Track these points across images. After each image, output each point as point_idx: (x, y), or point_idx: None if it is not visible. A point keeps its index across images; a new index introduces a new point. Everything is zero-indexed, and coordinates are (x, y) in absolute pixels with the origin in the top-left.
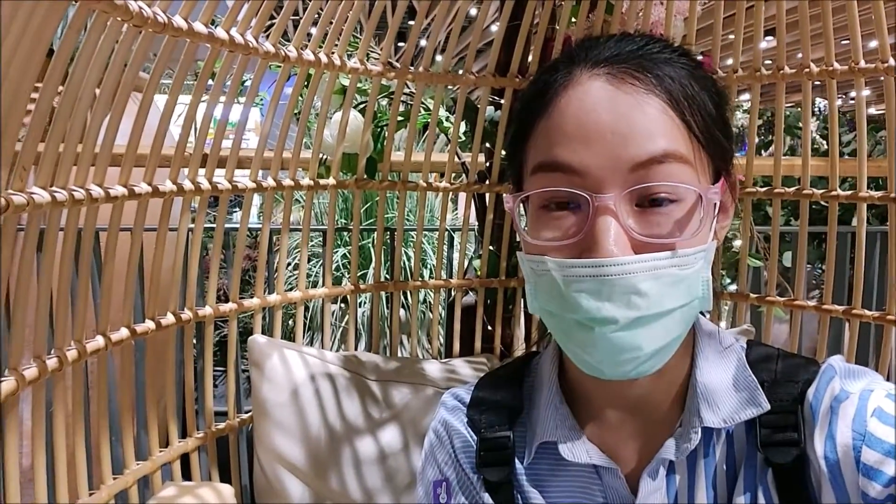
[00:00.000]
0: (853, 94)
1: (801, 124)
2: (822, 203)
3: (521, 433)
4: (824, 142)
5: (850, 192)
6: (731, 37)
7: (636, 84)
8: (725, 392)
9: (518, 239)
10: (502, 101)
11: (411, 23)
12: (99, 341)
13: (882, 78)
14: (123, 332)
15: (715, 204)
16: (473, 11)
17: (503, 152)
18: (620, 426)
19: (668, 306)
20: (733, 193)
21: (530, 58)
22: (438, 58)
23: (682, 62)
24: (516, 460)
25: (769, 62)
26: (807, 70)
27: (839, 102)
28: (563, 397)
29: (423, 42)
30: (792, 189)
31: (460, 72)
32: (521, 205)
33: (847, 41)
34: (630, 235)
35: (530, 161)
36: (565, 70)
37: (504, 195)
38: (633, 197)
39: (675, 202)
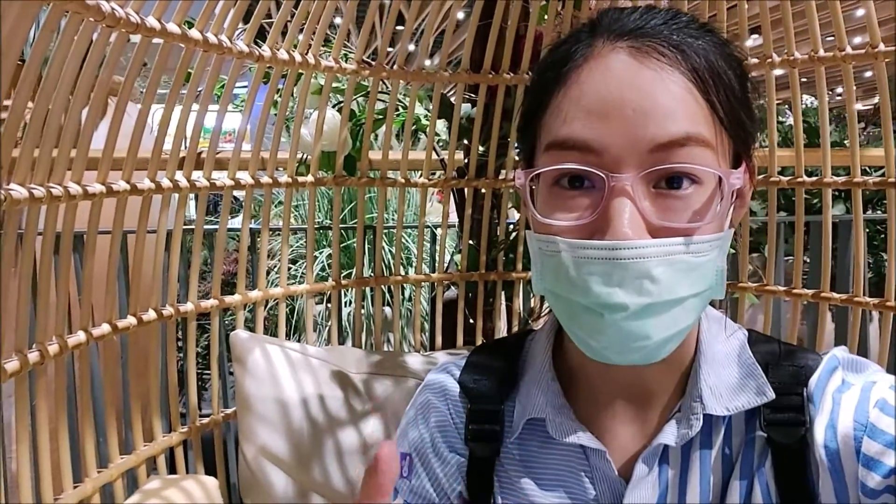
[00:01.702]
0: (838, 89)
1: (780, 117)
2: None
3: (510, 408)
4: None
5: (814, 179)
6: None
7: (661, 59)
8: (728, 379)
9: (498, 228)
10: (477, 98)
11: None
12: (80, 336)
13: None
14: (105, 328)
15: (735, 189)
16: (461, 15)
17: (480, 148)
18: (617, 410)
19: (680, 294)
20: (752, 179)
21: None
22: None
23: (709, 38)
24: (504, 436)
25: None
26: (769, 60)
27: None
28: (554, 374)
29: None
30: (761, 177)
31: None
32: (531, 182)
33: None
34: (646, 219)
35: (544, 136)
36: (586, 41)
37: (515, 171)
38: (650, 178)
39: (694, 186)
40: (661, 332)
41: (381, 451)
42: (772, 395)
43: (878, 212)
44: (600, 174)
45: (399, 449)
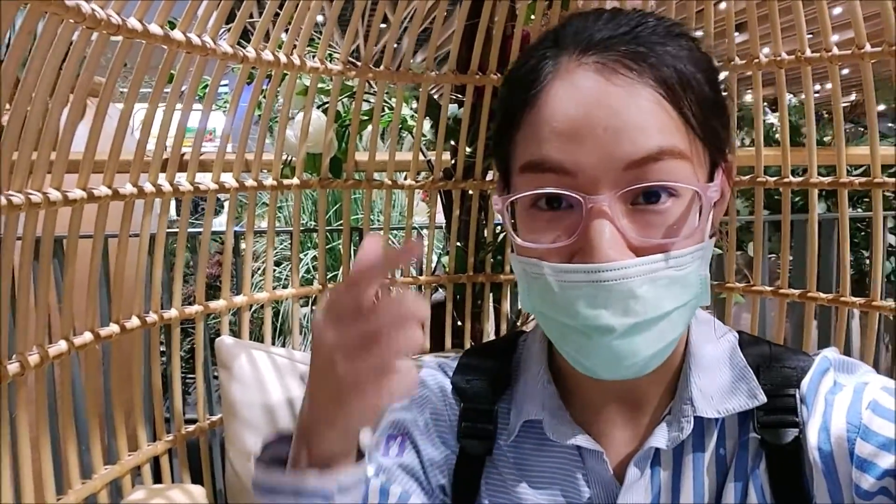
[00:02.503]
0: (829, 85)
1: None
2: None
3: (505, 409)
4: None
5: (801, 179)
6: (700, 33)
7: (628, 75)
8: (720, 382)
9: (485, 235)
10: (464, 98)
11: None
12: (62, 346)
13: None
14: (87, 336)
15: (713, 202)
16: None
17: (468, 149)
18: (610, 413)
19: (665, 308)
20: (730, 180)
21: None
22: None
23: (678, 43)
24: (499, 437)
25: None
26: (756, 60)
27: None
28: (551, 377)
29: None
30: (747, 177)
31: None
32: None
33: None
34: (625, 237)
35: (518, 157)
36: (552, 56)
37: (493, 197)
38: (627, 196)
39: (672, 199)
40: (649, 348)
41: (366, 241)
42: (763, 398)
43: (858, 209)
44: (577, 196)
45: (388, 431)
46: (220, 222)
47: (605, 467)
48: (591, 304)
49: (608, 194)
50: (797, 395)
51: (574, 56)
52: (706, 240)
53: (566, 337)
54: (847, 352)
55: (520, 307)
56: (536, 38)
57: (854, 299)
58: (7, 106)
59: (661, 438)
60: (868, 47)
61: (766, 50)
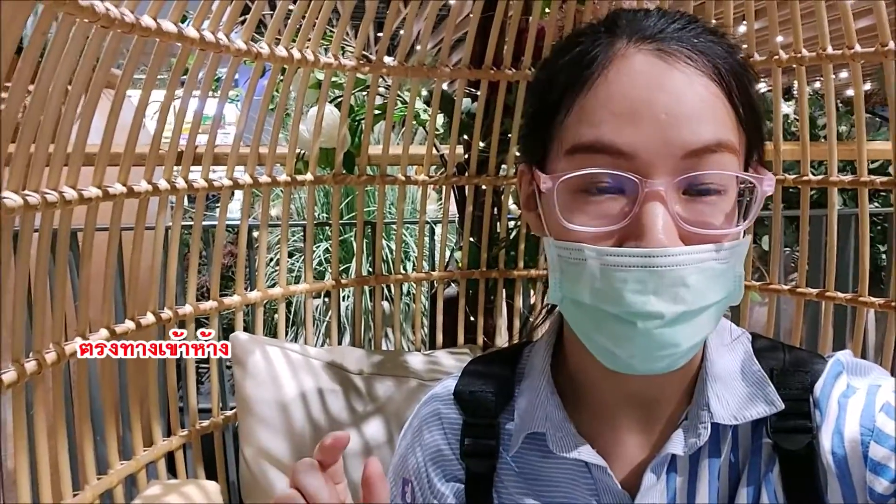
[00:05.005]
0: (843, 74)
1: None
2: (798, 187)
3: (506, 421)
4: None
5: (821, 177)
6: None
7: (689, 63)
8: (735, 387)
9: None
10: (478, 93)
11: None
12: (78, 343)
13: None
14: (103, 333)
15: (766, 195)
16: (452, 1)
17: (481, 144)
18: (621, 420)
19: (709, 301)
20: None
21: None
22: (419, 47)
23: (727, 45)
24: (503, 451)
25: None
26: (776, 57)
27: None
28: (554, 388)
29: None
30: None
31: (436, 64)
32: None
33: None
34: (678, 225)
35: (567, 140)
36: (607, 41)
37: (541, 175)
38: (681, 185)
39: (722, 194)
40: (689, 340)
41: (369, 469)
42: (781, 405)
43: (875, 203)
44: (634, 179)
45: (401, 474)
46: (234, 208)
47: (611, 480)
48: (639, 291)
49: (665, 179)
50: (810, 400)
51: (631, 42)
52: (743, 237)
53: (604, 326)
54: (863, 347)
55: (532, 293)
56: (581, 27)
57: (873, 299)
58: (24, 103)
59: (678, 444)
60: (893, 45)
61: (779, 38)
